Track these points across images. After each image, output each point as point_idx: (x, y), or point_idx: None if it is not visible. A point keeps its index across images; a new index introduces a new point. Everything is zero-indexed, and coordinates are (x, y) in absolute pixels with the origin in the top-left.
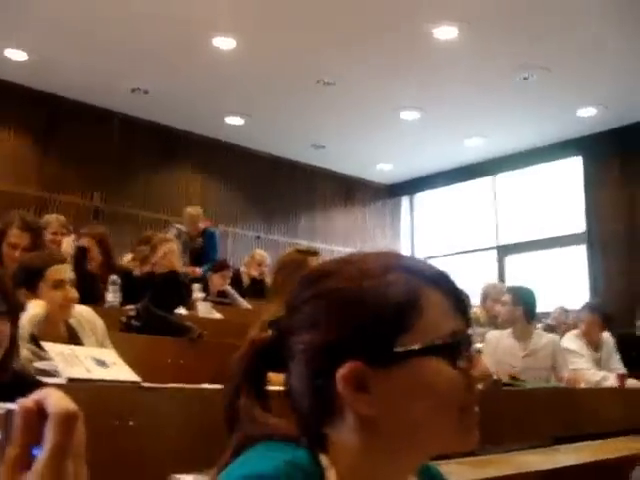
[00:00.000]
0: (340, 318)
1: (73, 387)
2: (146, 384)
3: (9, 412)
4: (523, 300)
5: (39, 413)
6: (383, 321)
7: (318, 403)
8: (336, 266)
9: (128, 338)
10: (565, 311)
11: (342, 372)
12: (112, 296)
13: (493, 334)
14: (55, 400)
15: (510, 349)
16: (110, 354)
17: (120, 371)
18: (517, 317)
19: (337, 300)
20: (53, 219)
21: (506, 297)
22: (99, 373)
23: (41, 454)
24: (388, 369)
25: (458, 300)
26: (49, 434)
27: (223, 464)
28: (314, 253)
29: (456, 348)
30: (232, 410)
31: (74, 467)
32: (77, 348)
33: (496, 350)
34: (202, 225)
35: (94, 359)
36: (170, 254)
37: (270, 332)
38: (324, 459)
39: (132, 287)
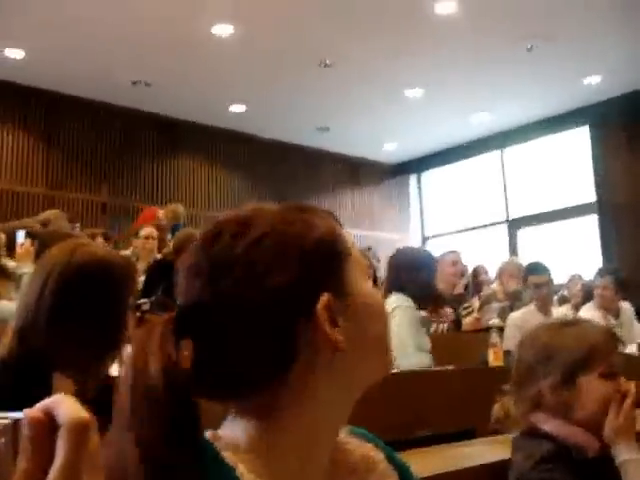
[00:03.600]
0: (300, 258)
1: None
2: None
3: (16, 422)
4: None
5: (49, 423)
6: (334, 259)
7: (275, 354)
8: (255, 216)
9: None
10: (579, 278)
11: (320, 306)
12: None
13: (516, 315)
14: (66, 408)
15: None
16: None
17: None
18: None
19: (294, 243)
20: (51, 215)
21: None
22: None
23: (52, 470)
24: (346, 299)
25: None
26: (60, 447)
27: None
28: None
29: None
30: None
31: None
32: None
33: (521, 329)
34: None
35: None
36: None
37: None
38: (228, 456)
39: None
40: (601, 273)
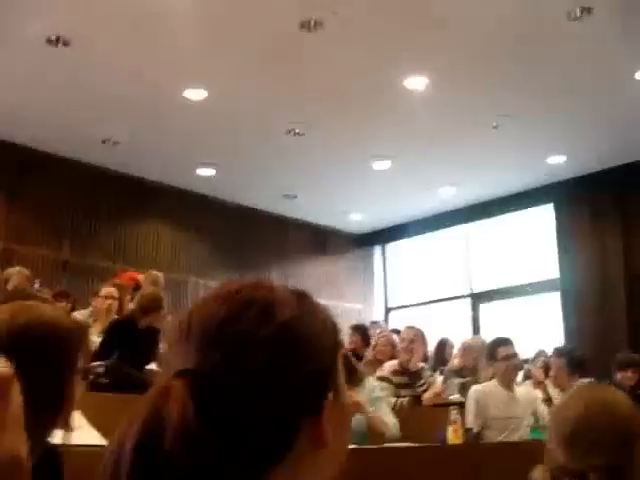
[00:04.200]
0: (317, 354)
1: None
2: None
3: None
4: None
5: None
6: (337, 357)
7: (278, 442)
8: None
9: (96, 398)
10: (544, 355)
11: (328, 404)
12: None
13: (478, 388)
14: None
15: (502, 399)
16: (74, 417)
17: (86, 435)
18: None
19: (312, 337)
20: (15, 272)
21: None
22: (60, 438)
23: None
24: (338, 396)
25: None
26: None
27: None
28: None
29: None
30: None
31: (10, 439)
32: None
33: (481, 402)
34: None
35: None
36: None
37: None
38: None
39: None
40: (556, 353)
